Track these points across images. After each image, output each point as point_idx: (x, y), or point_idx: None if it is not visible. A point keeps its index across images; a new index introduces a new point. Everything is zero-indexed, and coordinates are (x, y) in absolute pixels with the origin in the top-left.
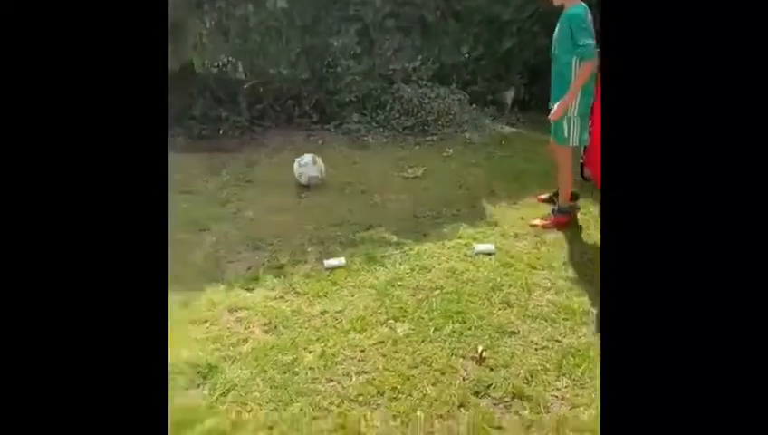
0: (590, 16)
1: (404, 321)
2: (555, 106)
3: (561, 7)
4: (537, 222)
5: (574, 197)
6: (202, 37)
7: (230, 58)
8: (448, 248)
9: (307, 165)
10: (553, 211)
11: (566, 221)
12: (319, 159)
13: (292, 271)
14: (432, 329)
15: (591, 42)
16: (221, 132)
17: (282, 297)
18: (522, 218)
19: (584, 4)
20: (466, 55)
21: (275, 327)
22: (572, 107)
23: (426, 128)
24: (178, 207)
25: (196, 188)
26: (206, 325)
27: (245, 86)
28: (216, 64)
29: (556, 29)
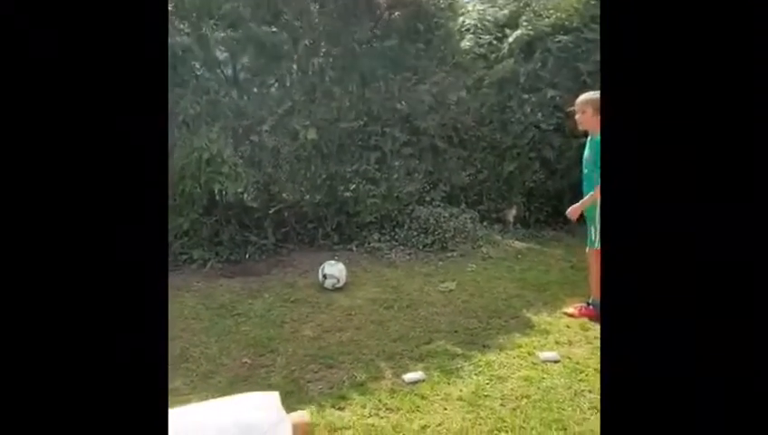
0: None
1: (506, 432)
2: (573, 206)
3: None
4: (571, 310)
5: None
6: (236, 167)
7: (259, 185)
8: (514, 358)
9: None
10: (588, 304)
11: (596, 315)
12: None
13: (374, 387)
14: None
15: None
16: (248, 256)
17: (376, 414)
18: (568, 327)
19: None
20: (469, 177)
21: None
22: (599, 216)
23: (444, 245)
24: (239, 329)
25: (243, 310)
26: None
27: (271, 211)
28: (243, 191)
29: (585, 151)
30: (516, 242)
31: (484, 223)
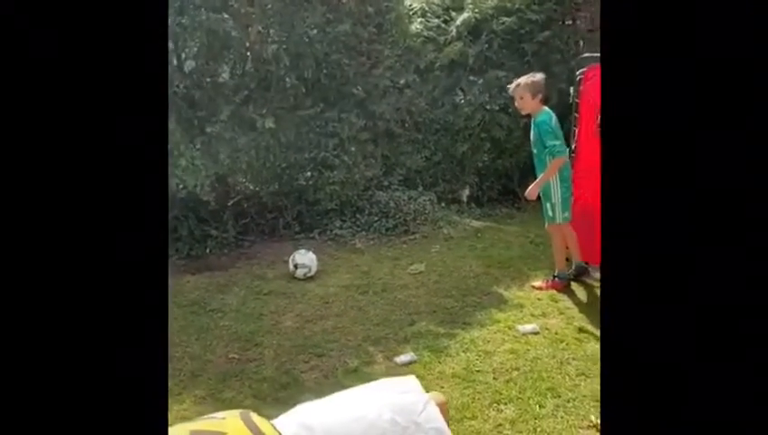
0: (554, 120)
1: (506, 403)
2: (530, 187)
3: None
4: (538, 284)
5: (582, 269)
6: (194, 160)
7: (217, 177)
8: (495, 333)
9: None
10: (554, 277)
11: (562, 286)
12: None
13: (368, 371)
14: (537, 407)
15: (557, 142)
16: (209, 250)
17: None
18: (539, 299)
19: (548, 111)
20: (424, 160)
21: None
22: (554, 193)
23: (406, 228)
24: (218, 325)
25: (217, 306)
26: None
27: (230, 203)
28: (200, 184)
29: (531, 132)
30: (474, 221)
31: (442, 204)
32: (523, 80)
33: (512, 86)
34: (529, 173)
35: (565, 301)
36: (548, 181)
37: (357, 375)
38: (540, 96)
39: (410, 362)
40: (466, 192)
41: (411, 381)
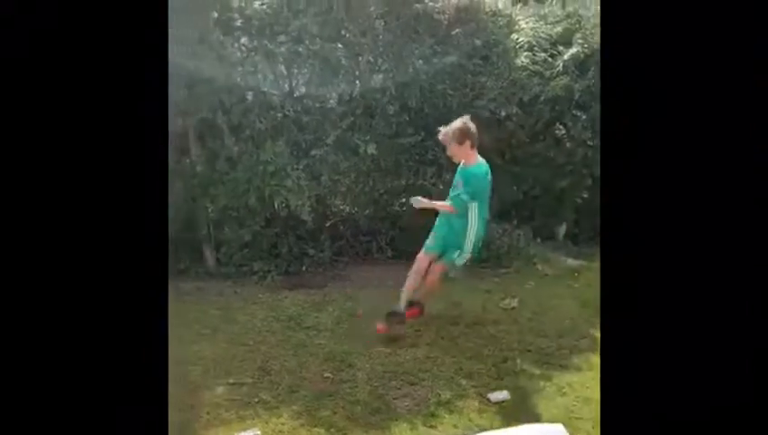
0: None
1: None
2: (422, 200)
3: None
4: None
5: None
6: (299, 181)
7: (318, 198)
8: (593, 379)
9: None
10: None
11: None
12: None
13: (461, 405)
14: None
15: (463, 195)
16: (305, 268)
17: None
18: None
19: (479, 165)
20: (521, 193)
21: None
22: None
23: (499, 261)
24: (313, 343)
25: (312, 323)
26: None
27: (328, 224)
28: (302, 204)
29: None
30: (569, 260)
31: (537, 239)
32: (446, 129)
33: (441, 136)
34: None
35: None
36: (443, 211)
37: (449, 408)
38: (468, 143)
39: (504, 401)
40: (563, 229)
41: (559, 429)
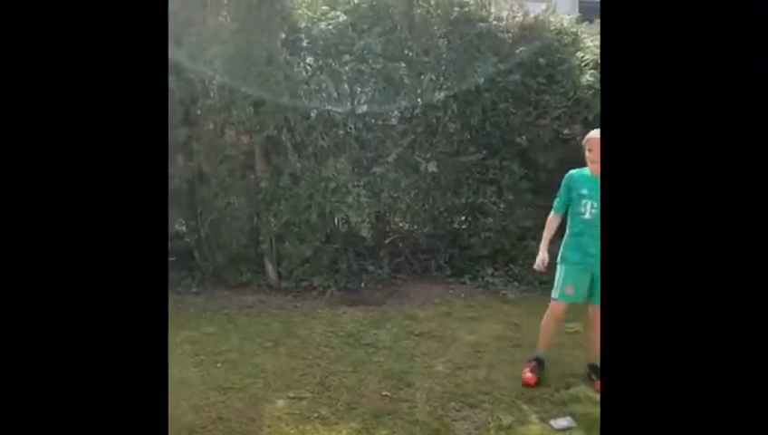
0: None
1: None
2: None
3: None
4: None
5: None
6: (360, 197)
7: (378, 215)
8: None
9: None
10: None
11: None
12: None
13: (522, 431)
14: None
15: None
16: (363, 285)
17: None
18: None
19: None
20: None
21: None
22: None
23: None
24: (371, 360)
25: (371, 341)
26: None
27: (387, 241)
28: (362, 221)
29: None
30: None
31: None
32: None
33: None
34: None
35: None
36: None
37: (510, 433)
38: None
39: (568, 428)
40: None
41: None
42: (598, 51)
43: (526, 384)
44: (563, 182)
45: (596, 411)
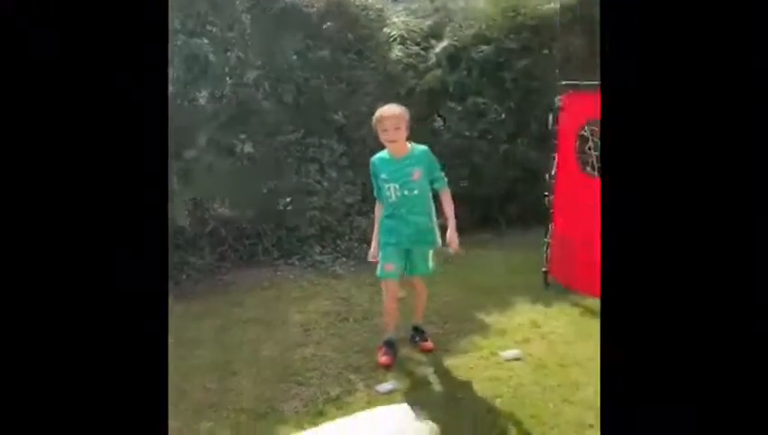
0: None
1: (489, 432)
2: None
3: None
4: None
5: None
6: (172, 184)
7: (194, 203)
8: (478, 359)
9: None
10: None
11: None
12: None
13: (350, 400)
14: None
15: (440, 181)
16: (185, 277)
17: None
18: (521, 325)
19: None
20: None
21: None
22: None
23: None
24: (194, 354)
25: (194, 335)
26: None
27: (207, 230)
28: (176, 211)
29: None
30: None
31: None
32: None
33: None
34: (509, 199)
35: (548, 326)
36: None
37: (338, 404)
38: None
39: (392, 391)
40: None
41: (404, 410)
42: (403, 26)
43: (383, 367)
44: (370, 169)
45: (417, 371)
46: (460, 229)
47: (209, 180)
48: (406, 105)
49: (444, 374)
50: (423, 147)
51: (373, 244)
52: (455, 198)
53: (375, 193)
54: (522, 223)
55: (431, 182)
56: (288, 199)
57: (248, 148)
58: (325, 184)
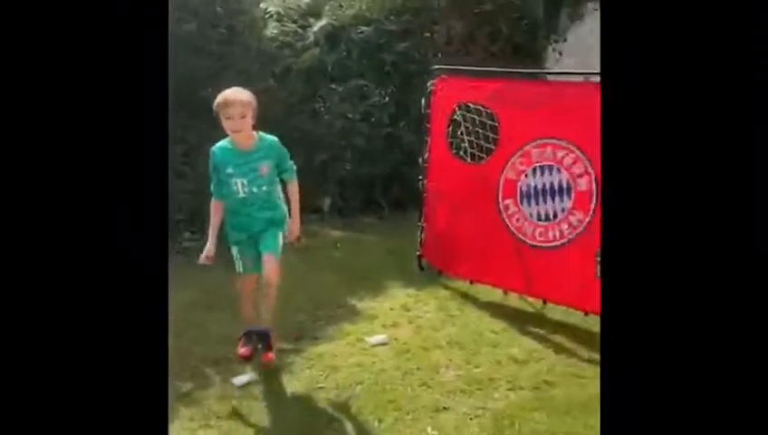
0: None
1: (347, 420)
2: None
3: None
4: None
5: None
6: None
7: None
8: (344, 346)
9: None
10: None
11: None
12: None
13: (201, 395)
14: (376, 421)
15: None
16: None
17: (206, 424)
18: (392, 309)
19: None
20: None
21: None
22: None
23: None
24: None
25: None
26: None
27: None
28: None
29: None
30: (334, 232)
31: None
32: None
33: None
34: (392, 182)
35: (418, 310)
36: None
37: (187, 401)
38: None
39: (249, 383)
40: (328, 202)
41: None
42: (280, 2)
43: (243, 359)
44: (210, 162)
45: (279, 361)
46: (342, 213)
47: None
48: (282, 85)
49: (306, 363)
50: (272, 137)
51: (209, 243)
52: (340, 180)
53: (213, 188)
54: (403, 206)
55: (279, 173)
56: None
57: None
58: (195, 166)
